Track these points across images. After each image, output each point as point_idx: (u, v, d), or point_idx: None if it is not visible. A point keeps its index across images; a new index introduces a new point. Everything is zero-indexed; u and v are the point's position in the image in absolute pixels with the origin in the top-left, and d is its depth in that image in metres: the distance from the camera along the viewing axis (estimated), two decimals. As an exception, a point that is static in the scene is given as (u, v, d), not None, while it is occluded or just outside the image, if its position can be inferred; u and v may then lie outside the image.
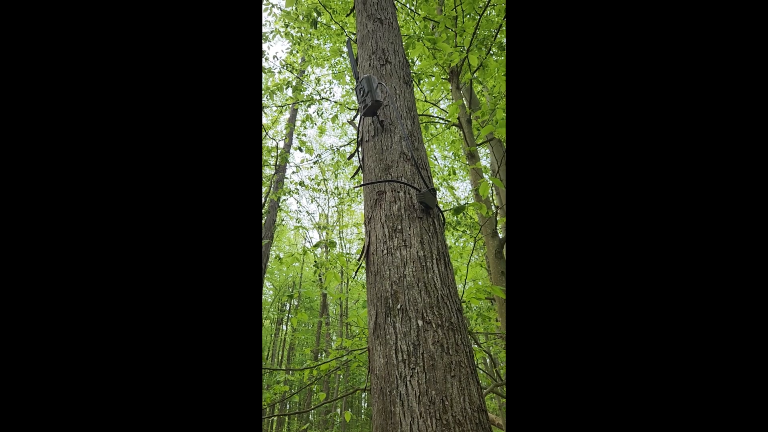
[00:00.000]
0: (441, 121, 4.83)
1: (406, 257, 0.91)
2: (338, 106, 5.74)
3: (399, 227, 0.98)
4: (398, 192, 1.06)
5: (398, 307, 0.84)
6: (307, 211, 18.05)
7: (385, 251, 0.95)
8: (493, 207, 3.74)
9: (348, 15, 3.28)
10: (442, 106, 5.83)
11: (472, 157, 4.03)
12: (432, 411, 0.69)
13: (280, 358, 16.91)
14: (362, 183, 1.17)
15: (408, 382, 0.73)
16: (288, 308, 17.34)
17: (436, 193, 1.06)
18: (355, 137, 1.36)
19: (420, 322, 0.80)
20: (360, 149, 1.32)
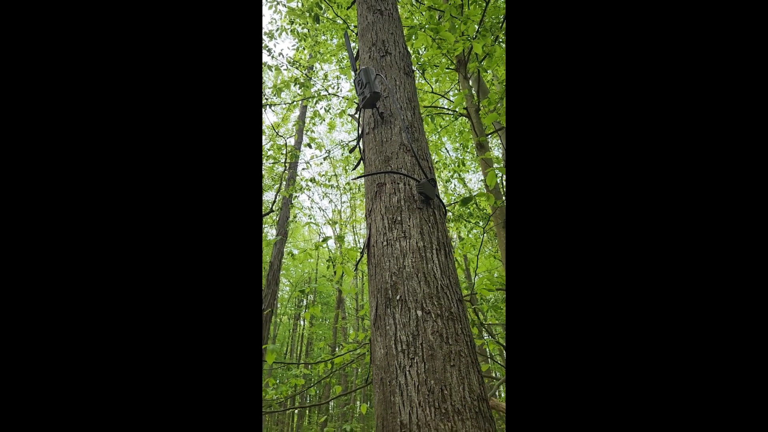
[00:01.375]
0: (449, 112, 4.77)
1: (405, 248, 0.91)
2: (346, 101, 5.74)
3: (399, 218, 0.97)
4: (398, 183, 1.05)
5: (397, 298, 0.84)
6: (319, 208, 18.18)
7: (384, 243, 0.95)
8: (503, 197, 3.69)
9: (349, 8, 3.26)
10: (452, 98, 5.75)
11: (482, 147, 3.98)
12: (431, 400, 0.69)
13: (298, 352, 17.18)
14: (360, 175, 1.17)
15: (407, 372, 0.73)
16: (305, 304, 17.57)
17: (436, 184, 1.05)
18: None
19: (419, 313, 0.80)
20: (361, 142, 1.32)
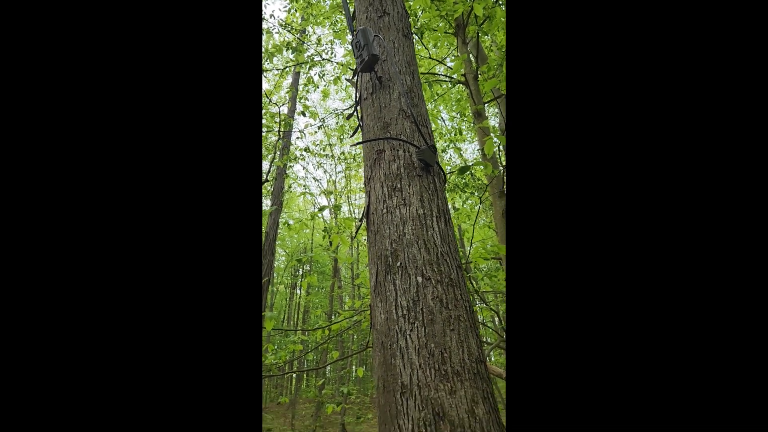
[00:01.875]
0: (447, 79, 4.65)
1: (405, 215, 0.91)
2: (340, 67, 5.55)
3: (398, 186, 0.96)
4: (397, 150, 1.03)
5: (398, 264, 0.84)
6: (314, 178, 18.03)
7: (384, 210, 0.94)
8: (500, 167, 3.67)
9: (345, -35, 3.07)
10: (449, 64, 5.59)
11: (479, 116, 3.91)
12: (431, 362, 0.71)
13: (295, 320, 17.58)
14: (359, 141, 1.15)
15: (408, 336, 0.75)
16: (301, 273, 17.81)
17: (436, 150, 1.03)
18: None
19: (419, 279, 0.81)
20: (359, 108, 1.28)
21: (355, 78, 1.32)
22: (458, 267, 0.87)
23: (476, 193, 5.63)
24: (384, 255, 0.88)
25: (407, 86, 1.20)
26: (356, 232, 1.14)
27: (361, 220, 1.07)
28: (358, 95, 1.30)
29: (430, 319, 0.75)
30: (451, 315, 0.77)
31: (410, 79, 1.23)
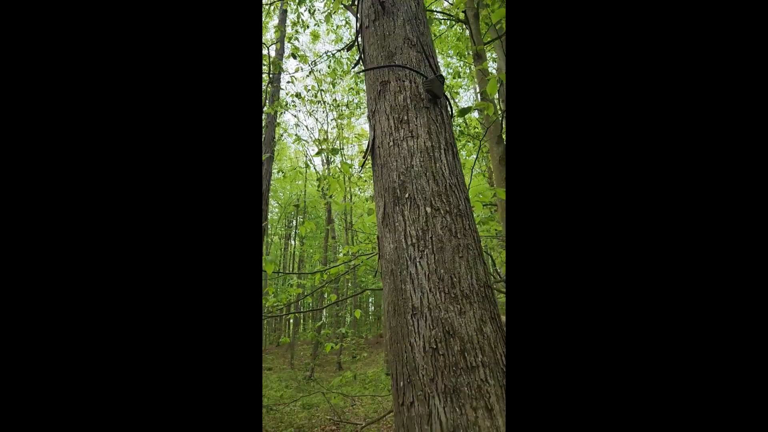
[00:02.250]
0: (445, 17, 4.38)
1: (413, 148, 0.89)
2: (331, 3, 5.17)
3: (405, 118, 0.94)
4: (403, 81, 0.99)
5: (406, 196, 0.84)
6: (306, 126, 17.54)
7: (391, 143, 0.92)
8: (498, 111, 3.59)
9: None
10: (446, 4, 5.23)
11: (479, 57, 3.74)
12: (441, 286, 0.73)
13: (290, 269, 17.99)
14: (364, 69, 1.09)
15: (417, 263, 0.76)
16: (295, 224, 17.93)
17: (444, 81, 0.99)
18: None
19: (428, 209, 0.81)
20: (360, 37, 1.20)
21: (356, 4, 1.23)
22: (466, 198, 0.87)
23: (471, 143, 5.55)
24: (392, 187, 0.88)
25: (412, 12, 1.12)
26: (362, 166, 1.12)
27: (365, 154, 1.05)
28: (359, 23, 1.22)
29: (440, 247, 0.77)
30: (460, 243, 0.78)
31: (415, 5, 1.15)
